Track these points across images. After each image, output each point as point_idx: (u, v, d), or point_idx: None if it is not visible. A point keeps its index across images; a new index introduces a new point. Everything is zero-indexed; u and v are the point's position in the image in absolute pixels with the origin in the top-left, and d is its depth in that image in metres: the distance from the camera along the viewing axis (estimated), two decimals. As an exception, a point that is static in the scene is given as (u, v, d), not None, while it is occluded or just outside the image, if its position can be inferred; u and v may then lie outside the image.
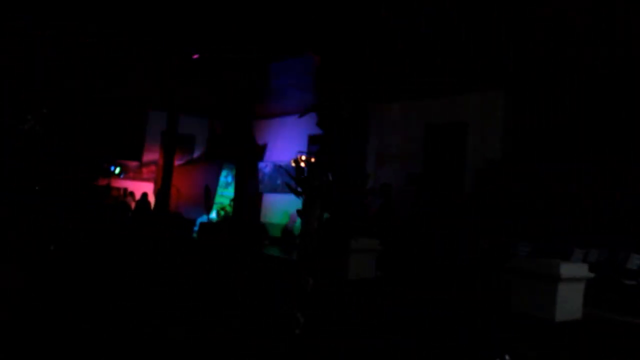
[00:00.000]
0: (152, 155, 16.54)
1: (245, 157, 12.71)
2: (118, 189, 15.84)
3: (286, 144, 15.03)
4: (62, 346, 3.68)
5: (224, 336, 4.10)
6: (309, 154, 13.05)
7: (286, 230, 13.48)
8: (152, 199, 15.31)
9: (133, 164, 16.21)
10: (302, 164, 11.89)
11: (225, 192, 16.00)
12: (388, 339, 4.21)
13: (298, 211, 5.44)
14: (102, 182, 14.97)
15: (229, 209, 14.84)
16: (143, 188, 15.49)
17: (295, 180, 5.30)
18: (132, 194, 15.41)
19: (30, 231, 7.72)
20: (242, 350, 3.83)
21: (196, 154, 17.24)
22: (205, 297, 5.19)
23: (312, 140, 14.25)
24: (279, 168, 14.63)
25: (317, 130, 14.52)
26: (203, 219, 14.19)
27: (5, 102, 10.29)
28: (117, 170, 15.57)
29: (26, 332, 3.88)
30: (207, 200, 14.19)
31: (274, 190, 14.82)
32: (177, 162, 15.23)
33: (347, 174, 7.03)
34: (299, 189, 5.55)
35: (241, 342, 3.96)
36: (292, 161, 12.99)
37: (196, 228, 13.01)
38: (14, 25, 8.84)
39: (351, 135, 8.38)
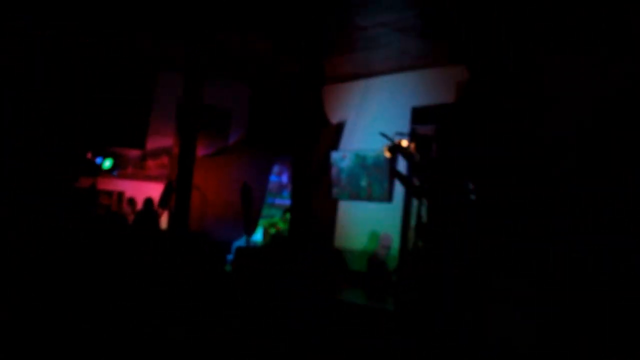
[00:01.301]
0: (162, 140, 16.86)
1: (310, 144, 13.17)
2: (109, 193, 16.13)
3: (375, 122, 15.05)
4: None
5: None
6: (414, 139, 13.06)
7: (375, 261, 13.57)
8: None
9: (133, 153, 16.60)
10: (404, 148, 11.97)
11: (278, 200, 16.46)
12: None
13: (417, 227, 5.68)
14: (84, 182, 15.26)
15: (282, 225, 15.19)
16: (148, 192, 15.68)
17: (416, 168, 5.43)
18: (131, 201, 15.70)
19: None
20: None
21: (232, 139, 17.56)
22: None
23: (419, 115, 14.26)
24: (363, 160, 14.75)
25: (427, 99, 14.67)
26: (242, 242, 14.50)
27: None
28: (108, 163, 15.80)
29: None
30: (248, 211, 14.42)
31: (357, 195, 15.00)
32: (201, 152, 15.39)
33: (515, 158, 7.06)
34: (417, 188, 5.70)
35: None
36: (385, 149, 13.24)
37: (231, 256, 13.32)
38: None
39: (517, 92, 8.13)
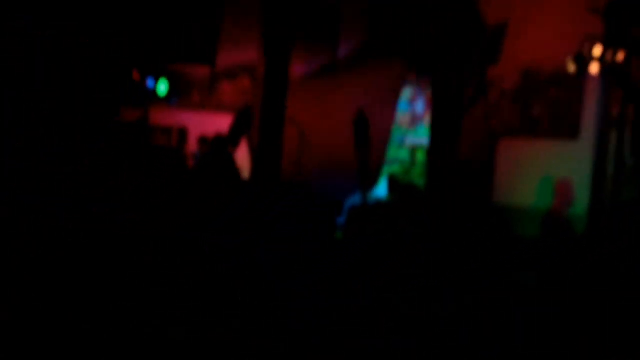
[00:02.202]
0: (240, 53, 17.12)
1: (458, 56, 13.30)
2: (167, 130, 16.77)
3: (552, 22, 15.01)
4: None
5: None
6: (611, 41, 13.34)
7: (551, 222, 13.71)
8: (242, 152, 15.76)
9: (199, 73, 17.19)
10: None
11: (411, 137, 16.54)
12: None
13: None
14: (129, 115, 15.59)
15: (416, 174, 15.44)
16: (224, 128, 15.68)
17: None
18: (205, 141, 15.98)
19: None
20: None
21: (343, 51, 17.60)
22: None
23: (616, 10, 14.00)
24: (536, 79, 14.99)
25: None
26: (358, 198, 14.55)
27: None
28: (163, 87, 16.03)
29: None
30: (364, 154, 14.48)
31: (526, 130, 15.19)
32: (298, 70, 15.79)
33: None
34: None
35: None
36: (568, 61, 13.48)
37: (343, 219, 13.01)
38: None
39: None
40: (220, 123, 16.01)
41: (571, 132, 14.67)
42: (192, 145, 16.46)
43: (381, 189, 15.70)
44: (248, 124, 14.77)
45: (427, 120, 15.65)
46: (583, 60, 13.28)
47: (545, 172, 14.81)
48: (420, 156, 14.15)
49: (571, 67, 13.38)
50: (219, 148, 14.58)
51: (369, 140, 14.52)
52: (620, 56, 13.01)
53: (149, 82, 15.85)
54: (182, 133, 16.78)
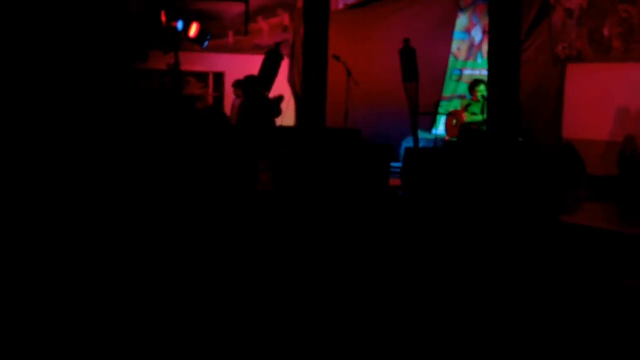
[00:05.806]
0: None
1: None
2: (201, 75, 16.55)
3: None
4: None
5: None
6: None
7: (628, 158, 13.73)
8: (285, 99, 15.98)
9: (233, 11, 17.17)
10: None
11: (469, 69, 16.26)
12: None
13: None
14: (158, 61, 15.56)
15: (477, 110, 14.72)
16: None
17: None
18: (238, 84, 15.62)
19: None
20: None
21: None
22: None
23: None
24: None
25: None
26: (410, 142, 14.53)
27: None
28: (194, 29, 16.10)
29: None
30: (413, 90, 14.39)
31: (598, 53, 14.77)
32: (339, 1, 15.94)
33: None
34: None
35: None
36: None
37: (398, 165, 13.29)
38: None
39: None
40: (258, 65, 15.88)
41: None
42: (229, 90, 16.29)
43: (438, 129, 15.70)
44: (278, 63, 14.90)
45: (485, 50, 15.23)
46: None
47: (620, 102, 14.42)
48: (482, 90, 13.71)
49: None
50: (251, 90, 14.53)
51: (417, 73, 14.40)
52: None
53: (179, 25, 15.66)
54: (219, 78, 16.87)
